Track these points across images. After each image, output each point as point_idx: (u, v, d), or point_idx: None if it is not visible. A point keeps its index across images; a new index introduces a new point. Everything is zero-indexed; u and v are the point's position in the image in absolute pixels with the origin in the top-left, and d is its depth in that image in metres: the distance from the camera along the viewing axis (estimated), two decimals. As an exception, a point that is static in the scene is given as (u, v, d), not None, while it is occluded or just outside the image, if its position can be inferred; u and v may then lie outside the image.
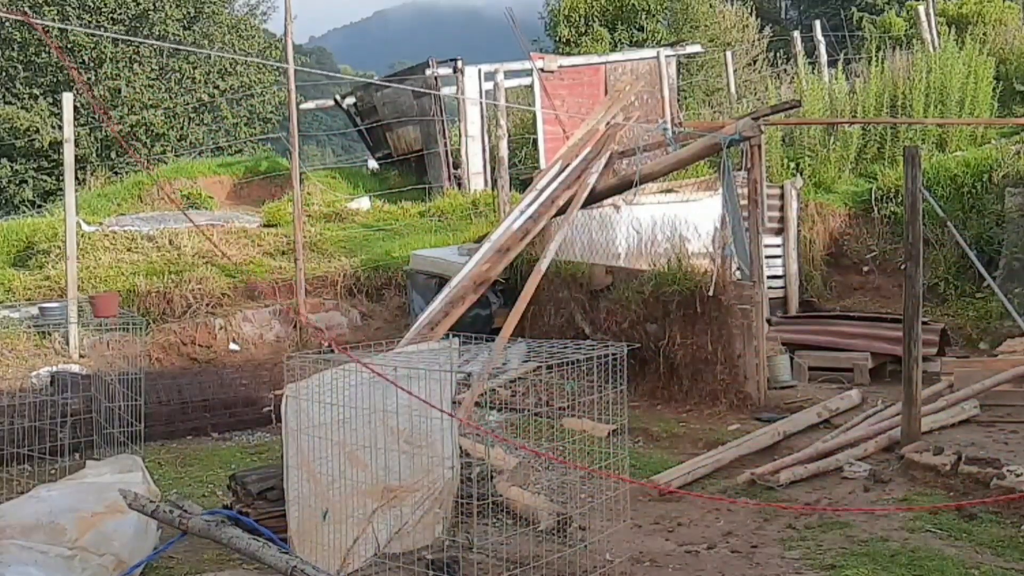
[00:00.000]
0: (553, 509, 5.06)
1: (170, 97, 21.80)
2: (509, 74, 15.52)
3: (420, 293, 10.41)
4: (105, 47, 21.25)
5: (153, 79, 21.88)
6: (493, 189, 13.37)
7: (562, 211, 9.15)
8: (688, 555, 4.77)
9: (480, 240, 10.41)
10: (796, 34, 18.39)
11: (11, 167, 20.48)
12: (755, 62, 21.45)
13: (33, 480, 5.72)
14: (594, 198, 9.35)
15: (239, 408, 8.09)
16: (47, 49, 20.47)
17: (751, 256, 7.81)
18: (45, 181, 20.45)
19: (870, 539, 4.80)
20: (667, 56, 16.20)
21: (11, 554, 4.09)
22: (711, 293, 7.78)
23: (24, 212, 16.91)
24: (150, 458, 6.49)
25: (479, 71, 15.69)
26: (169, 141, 21.60)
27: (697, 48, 18.28)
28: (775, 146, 11.95)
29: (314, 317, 10.42)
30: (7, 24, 20.48)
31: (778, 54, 20.11)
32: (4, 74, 21.27)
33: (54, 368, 8.59)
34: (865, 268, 11.21)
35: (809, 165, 12.08)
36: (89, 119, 19.94)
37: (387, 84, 15.79)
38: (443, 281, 9.40)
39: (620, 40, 20.66)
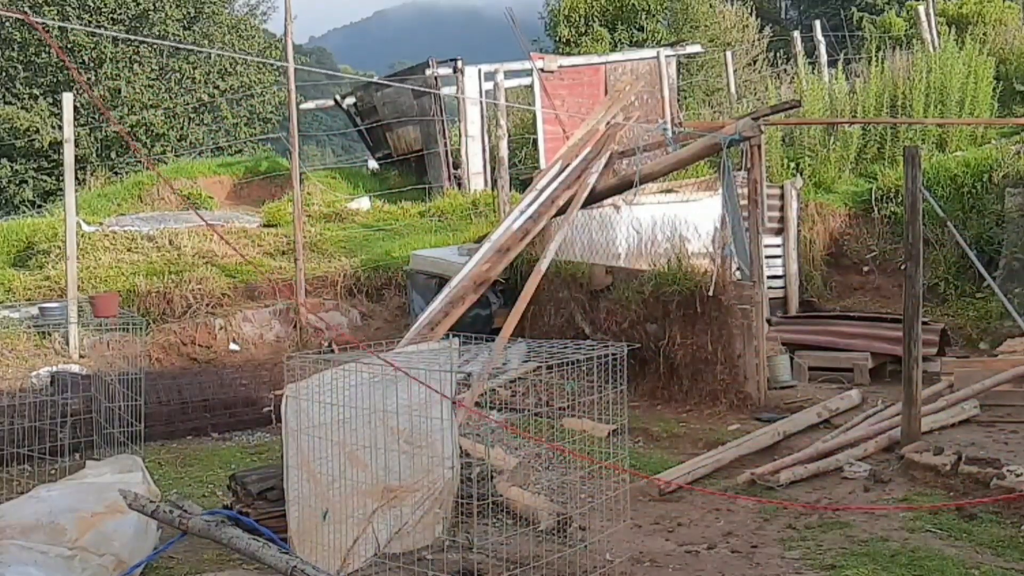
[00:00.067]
0: (553, 509, 5.06)
1: (170, 97, 21.80)
2: (509, 74, 15.53)
3: (420, 293, 10.41)
4: (105, 47, 21.26)
5: (153, 79, 21.89)
6: (493, 189, 13.37)
7: (562, 211, 9.15)
8: (688, 555, 4.77)
9: (480, 240, 10.42)
10: (796, 34, 18.39)
11: (11, 167, 20.49)
12: (755, 62, 21.46)
13: (33, 480, 5.73)
14: (594, 198, 9.35)
15: (239, 408, 8.10)
16: (47, 49, 20.48)
17: (751, 256, 7.81)
18: (45, 181, 20.46)
19: (870, 539, 4.80)
20: (667, 56, 16.20)
21: (11, 554, 4.09)
22: (711, 293, 7.78)
23: (24, 212, 16.92)
24: (150, 458, 6.49)
25: (479, 71, 15.69)
26: (169, 141, 21.61)
27: (697, 48, 18.28)
28: (775, 146, 11.95)
29: (314, 318, 10.42)
30: (7, 24, 20.48)
31: (778, 54, 20.11)
32: (4, 74, 21.27)
33: (54, 368, 8.59)
34: (865, 268, 11.20)
35: (809, 165, 12.08)
36: (89, 119, 19.94)
37: (387, 84, 15.79)
38: (443, 281, 9.40)
39: (620, 40, 20.66)
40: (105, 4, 21.40)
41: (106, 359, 7.77)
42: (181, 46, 21.00)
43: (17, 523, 4.33)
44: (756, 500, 5.45)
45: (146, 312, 10.05)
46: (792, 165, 12.03)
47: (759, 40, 22.17)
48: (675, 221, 9.31)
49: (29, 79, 21.23)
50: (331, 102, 17.61)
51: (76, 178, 10.59)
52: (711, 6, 22.27)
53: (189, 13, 23.13)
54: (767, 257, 9.45)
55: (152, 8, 21.87)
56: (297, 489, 4.51)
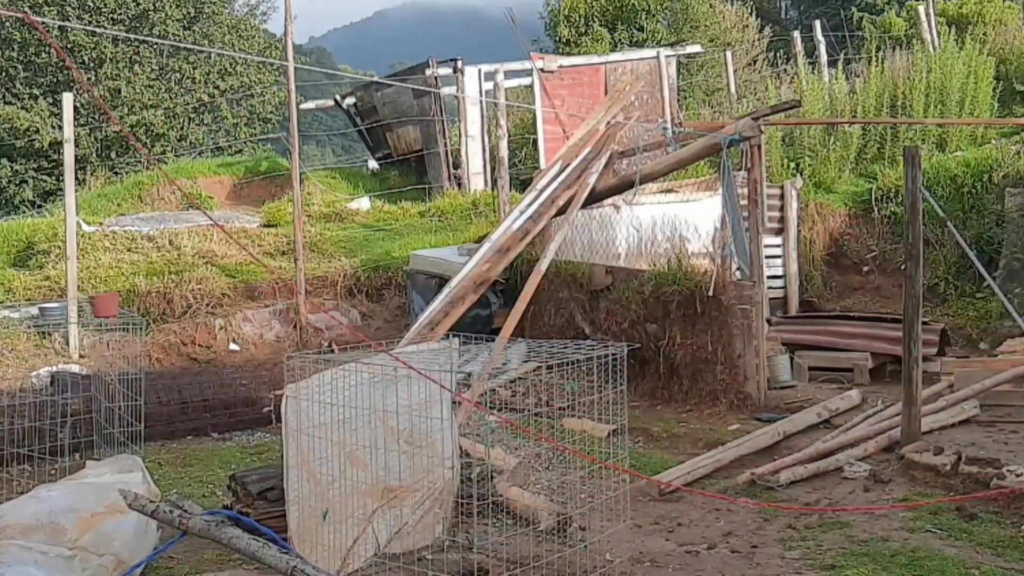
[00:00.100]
0: (553, 509, 5.06)
1: (170, 97, 21.80)
2: (509, 74, 15.53)
3: (420, 293, 10.41)
4: (105, 47, 21.26)
5: (153, 79, 21.89)
6: (493, 189, 13.37)
7: (562, 211, 9.15)
8: (688, 555, 4.77)
9: (480, 240, 10.42)
10: (796, 34, 18.39)
11: (11, 167, 20.50)
12: (755, 62, 21.46)
13: (33, 480, 5.73)
14: (594, 198, 9.35)
15: (239, 408, 8.10)
16: (47, 49, 20.48)
17: (751, 256, 7.81)
18: (45, 181, 20.46)
19: (870, 539, 4.80)
20: (667, 56, 16.21)
21: (11, 554, 4.09)
22: (711, 293, 7.78)
23: (24, 212, 16.92)
24: (150, 458, 6.49)
25: (479, 71, 15.69)
26: (169, 141, 21.61)
27: (697, 48, 18.28)
28: (775, 146, 11.95)
29: (313, 318, 10.42)
30: (7, 24, 20.48)
31: (778, 54, 20.11)
32: (4, 74, 21.27)
33: (54, 368, 8.59)
34: (865, 268, 11.20)
35: (809, 165, 12.08)
36: (89, 119, 19.94)
37: (387, 84, 15.79)
38: (443, 281, 9.40)
39: (620, 40, 20.66)
40: (105, 4, 21.40)
41: (106, 359, 7.77)
42: (181, 46, 21.01)
43: (17, 523, 4.33)
44: (756, 504, 5.45)
45: (146, 312, 10.05)
46: (792, 165, 12.03)
47: (759, 40, 22.17)
48: (675, 221, 9.31)
49: (29, 79, 21.23)
50: (331, 102, 17.61)
51: (76, 178, 10.59)
52: (711, 6, 22.27)
53: (189, 13, 23.13)
54: (767, 257, 9.45)
55: (152, 8, 21.87)
56: (297, 489, 4.51)
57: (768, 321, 8.68)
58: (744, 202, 8.07)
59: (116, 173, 18.55)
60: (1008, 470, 5.23)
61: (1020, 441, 6.07)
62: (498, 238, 9.19)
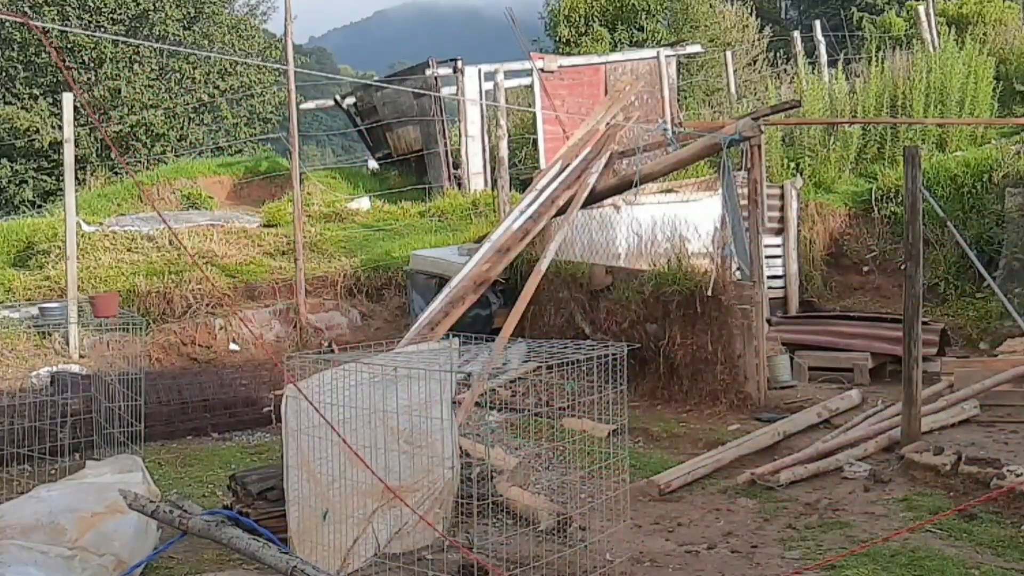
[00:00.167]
0: (553, 509, 5.06)
1: (170, 97, 21.79)
2: (509, 74, 15.52)
3: (420, 293, 10.41)
4: (105, 47, 21.25)
5: (153, 79, 21.88)
6: (493, 189, 13.37)
7: (562, 211, 9.15)
8: (688, 555, 4.77)
9: (480, 240, 10.41)
10: (796, 34, 18.39)
11: (11, 167, 20.49)
12: (755, 62, 21.45)
13: (33, 480, 5.73)
14: (594, 198, 9.35)
15: (239, 408, 8.09)
16: (47, 49, 20.46)
17: (751, 256, 7.81)
18: (45, 181, 20.45)
19: (870, 539, 4.80)
20: (667, 56, 16.20)
21: (11, 554, 4.09)
22: (711, 293, 7.78)
23: (24, 212, 16.91)
24: (150, 458, 6.49)
25: (479, 71, 15.69)
26: (169, 141, 21.60)
27: (697, 48, 18.28)
28: (775, 146, 11.95)
29: (314, 317, 10.42)
30: (7, 24, 20.48)
31: (778, 54, 20.11)
32: (4, 74, 21.27)
33: (54, 368, 8.59)
34: (865, 268, 11.20)
35: (809, 165, 12.08)
36: (89, 119, 19.93)
37: (387, 84, 15.79)
38: (443, 281, 9.40)
39: (620, 40, 20.66)
40: (105, 4, 21.40)
41: (106, 359, 7.77)
42: (181, 46, 20.99)
43: (17, 523, 4.33)
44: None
45: (146, 312, 10.05)
46: (792, 165, 12.03)
47: (759, 40, 22.17)
48: (675, 221, 9.31)
49: (29, 79, 21.22)
50: (331, 102, 17.62)
51: (76, 178, 10.58)
52: (711, 6, 22.27)
53: (189, 13, 23.12)
54: (767, 257, 9.45)
55: (152, 8, 21.86)
56: (297, 489, 4.51)
57: (768, 321, 8.68)
58: (744, 202, 8.07)
59: (116, 173, 18.54)
60: (1008, 470, 5.23)
61: (1020, 441, 6.07)
62: (498, 238, 9.19)
